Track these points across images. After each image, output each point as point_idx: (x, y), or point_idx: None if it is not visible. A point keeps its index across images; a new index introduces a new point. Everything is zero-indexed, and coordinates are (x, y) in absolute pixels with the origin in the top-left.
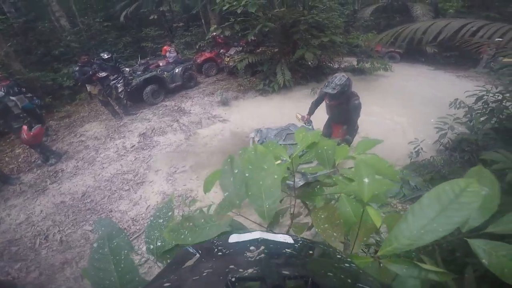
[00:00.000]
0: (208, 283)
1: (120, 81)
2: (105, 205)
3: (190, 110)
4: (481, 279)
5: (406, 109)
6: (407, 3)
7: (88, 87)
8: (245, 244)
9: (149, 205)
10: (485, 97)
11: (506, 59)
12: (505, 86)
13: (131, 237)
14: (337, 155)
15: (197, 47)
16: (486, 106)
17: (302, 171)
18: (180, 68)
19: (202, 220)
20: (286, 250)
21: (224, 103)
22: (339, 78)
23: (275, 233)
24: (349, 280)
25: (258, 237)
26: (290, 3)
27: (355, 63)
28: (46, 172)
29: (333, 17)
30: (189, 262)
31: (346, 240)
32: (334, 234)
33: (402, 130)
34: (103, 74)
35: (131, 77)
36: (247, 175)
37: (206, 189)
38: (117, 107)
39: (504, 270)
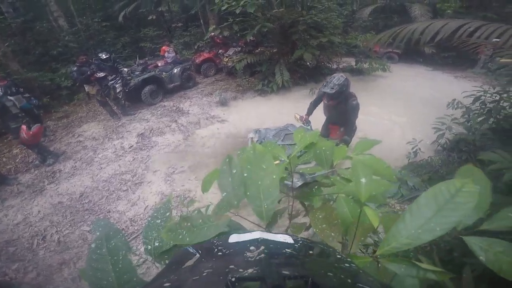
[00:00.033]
0: (208, 283)
1: (119, 81)
2: (103, 206)
3: (189, 111)
4: (479, 279)
5: (404, 109)
6: (405, 4)
7: (86, 87)
8: (245, 244)
9: (147, 206)
10: (483, 97)
11: (503, 60)
12: (503, 86)
13: (129, 238)
14: (335, 156)
15: (195, 47)
16: (484, 106)
17: (300, 171)
18: (179, 69)
19: (200, 220)
20: (286, 250)
21: (223, 103)
22: (337, 78)
23: (275, 233)
24: (349, 280)
25: (258, 237)
26: (289, 4)
27: (353, 63)
28: (43, 173)
29: (331, 17)
30: (189, 262)
31: (344, 240)
32: (332, 234)
33: (400, 131)
34: (101, 74)
35: (130, 77)
36: (245, 175)
37: (204, 189)
38: (115, 108)
39: (502, 266)
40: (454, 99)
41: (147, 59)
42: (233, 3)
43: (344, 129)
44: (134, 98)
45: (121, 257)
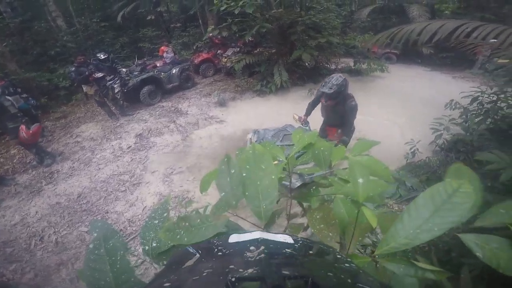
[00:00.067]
0: (208, 283)
1: (117, 82)
2: (101, 206)
3: (187, 111)
4: (477, 279)
5: (403, 110)
6: (403, 4)
7: (85, 88)
8: (245, 244)
9: (145, 206)
10: (480, 98)
11: (500, 60)
12: (500, 87)
13: (127, 239)
14: (333, 156)
15: (194, 47)
16: (481, 107)
17: (299, 172)
18: (177, 69)
19: (198, 220)
20: (286, 250)
21: (221, 104)
22: (336, 78)
23: (275, 233)
24: (349, 280)
25: (258, 237)
26: (287, 4)
27: (352, 64)
28: (41, 173)
29: (330, 18)
30: (189, 262)
31: (342, 240)
32: (330, 234)
33: (399, 131)
34: (100, 74)
35: (128, 78)
36: (244, 175)
37: (203, 189)
38: (113, 108)
39: (500, 262)
40: (452, 100)
41: (145, 59)
42: (232, 4)
43: (342, 130)
44: (133, 98)
45: (119, 258)
